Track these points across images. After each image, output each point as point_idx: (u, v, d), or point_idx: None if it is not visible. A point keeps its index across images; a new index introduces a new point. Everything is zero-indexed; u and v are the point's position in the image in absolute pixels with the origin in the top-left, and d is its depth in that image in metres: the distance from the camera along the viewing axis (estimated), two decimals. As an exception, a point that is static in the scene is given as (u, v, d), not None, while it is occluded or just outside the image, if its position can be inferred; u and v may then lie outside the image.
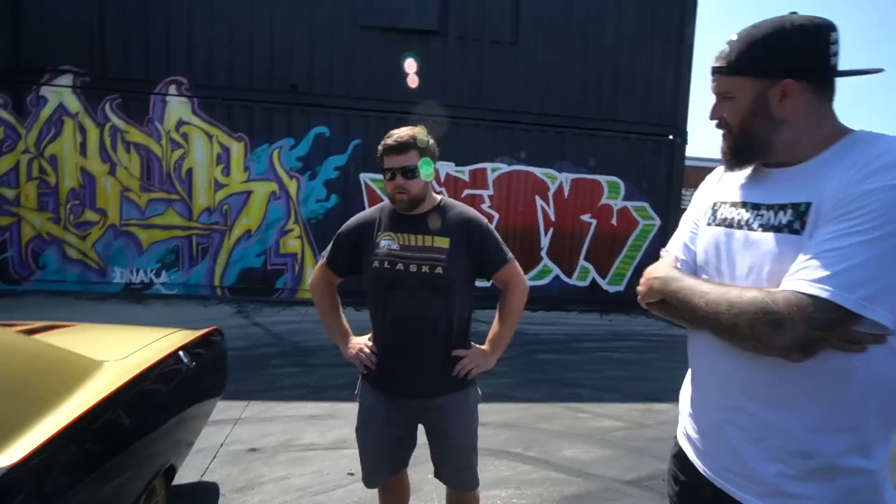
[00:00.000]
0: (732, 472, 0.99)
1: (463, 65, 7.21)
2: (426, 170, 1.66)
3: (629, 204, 7.73)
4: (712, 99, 1.09)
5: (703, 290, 0.97)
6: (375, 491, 1.90)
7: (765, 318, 0.85)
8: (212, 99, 6.68)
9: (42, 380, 1.45)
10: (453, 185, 7.22)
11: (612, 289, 7.79)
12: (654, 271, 1.14)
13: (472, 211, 1.78)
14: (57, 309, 5.91)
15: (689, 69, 7.73)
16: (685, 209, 1.29)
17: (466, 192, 7.24)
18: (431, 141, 1.72)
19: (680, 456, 1.16)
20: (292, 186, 6.95)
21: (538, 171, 7.47)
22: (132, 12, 6.47)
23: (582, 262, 7.68)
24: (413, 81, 7.01)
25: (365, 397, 1.80)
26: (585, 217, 7.64)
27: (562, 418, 3.68)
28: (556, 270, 7.62)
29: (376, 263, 1.69)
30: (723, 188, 1.15)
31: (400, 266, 1.66)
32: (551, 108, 7.44)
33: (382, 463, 1.79)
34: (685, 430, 1.15)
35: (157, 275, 6.79)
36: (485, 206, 7.25)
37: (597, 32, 7.45)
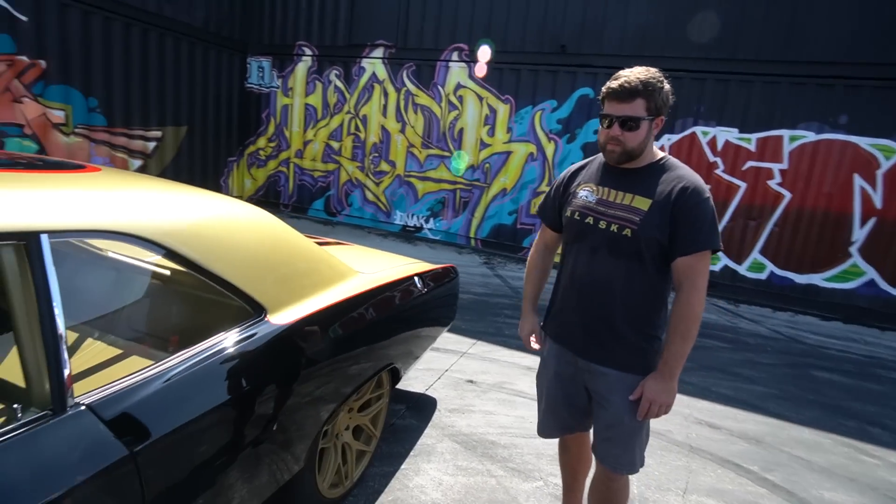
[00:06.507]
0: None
1: (768, 6, 5.92)
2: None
3: None
4: None
5: None
6: None
7: None
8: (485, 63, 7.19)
9: (316, 269, 1.87)
10: (732, 156, 6.11)
11: (962, 311, 5.56)
12: None
13: (694, 176, 1.50)
14: (354, 239, 7.48)
15: None
16: None
17: (749, 164, 6.03)
18: (667, 87, 1.47)
19: None
20: (549, 148, 7.02)
21: (863, 142, 5.69)
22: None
23: (915, 267, 5.67)
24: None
25: (544, 346, 1.77)
26: (933, 207, 5.56)
27: (831, 453, 2.89)
28: (870, 273, 5.79)
29: (568, 213, 1.61)
30: None
31: (590, 220, 1.54)
32: (899, 56, 5.50)
33: (551, 415, 1.74)
34: None
35: (427, 221, 7.87)
36: (773, 183, 5.93)
37: None
